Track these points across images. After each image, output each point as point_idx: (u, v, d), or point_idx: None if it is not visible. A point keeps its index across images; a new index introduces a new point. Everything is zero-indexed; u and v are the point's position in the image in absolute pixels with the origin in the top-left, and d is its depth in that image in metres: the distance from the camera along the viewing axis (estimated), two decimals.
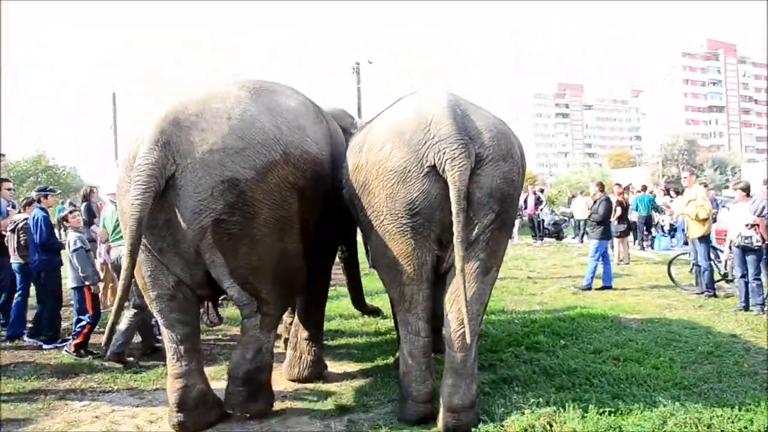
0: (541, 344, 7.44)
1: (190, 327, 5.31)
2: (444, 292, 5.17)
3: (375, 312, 9.58)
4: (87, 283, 7.52)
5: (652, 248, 18.82)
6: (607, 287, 11.73)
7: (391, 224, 5.01)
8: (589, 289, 11.61)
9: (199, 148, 4.74)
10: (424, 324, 5.20)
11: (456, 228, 4.62)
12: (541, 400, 5.24)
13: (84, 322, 7.55)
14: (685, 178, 11.74)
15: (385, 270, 5.37)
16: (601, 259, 11.92)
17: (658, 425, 4.85)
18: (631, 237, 17.89)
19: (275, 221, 5.11)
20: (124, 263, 4.59)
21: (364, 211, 5.30)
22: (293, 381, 6.55)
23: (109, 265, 9.53)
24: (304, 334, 6.73)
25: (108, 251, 9.07)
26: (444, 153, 4.75)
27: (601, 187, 12.65)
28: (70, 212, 7.94)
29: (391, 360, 7.07)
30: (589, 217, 12.74)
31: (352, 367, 7.10)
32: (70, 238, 7.61)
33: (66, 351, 7.54)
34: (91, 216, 10.61)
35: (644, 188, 20.55)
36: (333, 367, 7.13)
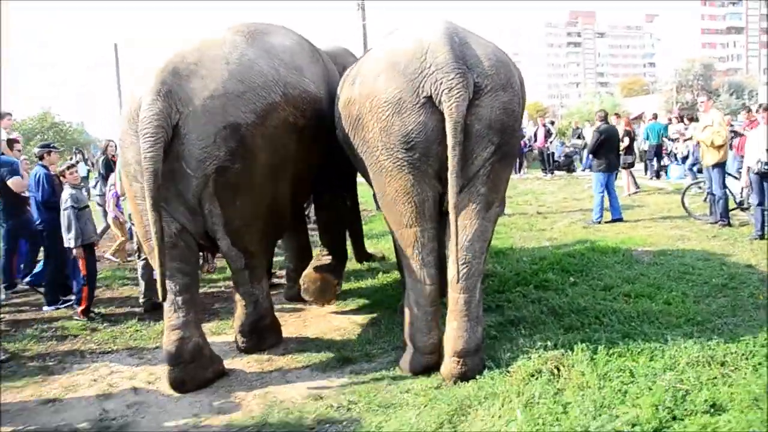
0: (550, 282, 7.24)
1: (189, 277, 5.23)
2: (445, 230, 4.94)
3: (379, 258, 9.43)
4: (72, 245, 7.19)
5: (667, 177, 18.42)
6: (617, 219, 11.45)
7: (387, 159, 4.75)
8: (599, 222, 11.34)
9: (201, 95, 4.78)
10: (429, 270, 4.95)
11: (451, 162, 4.40)
12: (548, 342, 5.04)
13: (80, 285, 7.33)
14: (701, 102, 11.28)
15: (386, 210, 5.16)
16: (606, 191, 11.59)
17: (670, 365, 4.65)
18: (640, 167, 17.58)
19: (272, 166, 5.21)
20: (150, 218, 4.60)
21: (359, 148, 5.07)
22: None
23: (120, 220, 9.46)
24: (299, 263, 7.47)
25: (117, 204, 8.98)
26: (441, 83, 4.48)
27: (604, 117, 12.08)
28: (68, 168, 7.62)
29: (395, 305, 6.92)
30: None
31: (355, 312, 6.97)
32: (63, 195, 7.30)
33: (76, 318, 7.29)
34: (109, 170, 10.63)
35: (655, 116, 20.03)
36: (336, 313, 7.02)
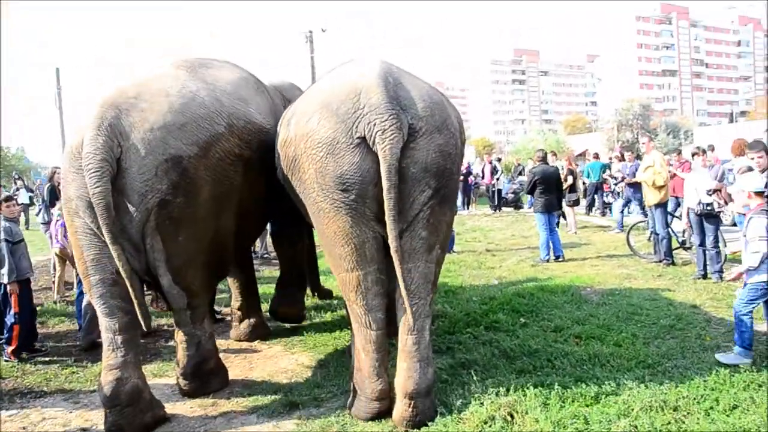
0: (501, 323, 7.18)
1: (130, 316, 4.95)
2: (391, 275, 4.80)
3: (328, 294, 9.24)
4: (5, 280, 6.80)
5: (610, 215, 18.80)
6: (557, 257, 11.55)
7: (324, 201, 4.64)
8: (548, 261, 11.41)
9: (141, 128, 4.69)
10: (375, 314, 4.79)
11: (387, 205, 4.32)
12: (501, 388, 4.95)
13: (11, 323, 6.89)
14: (643, 143, 11.55)
15: (326, 252, 5.01)
16: (548, 230, 11.69)
17: (624, 410, 4.61)
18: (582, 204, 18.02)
19: (216, 199, 5.11)
20: (114, 253, 4.55)
21: (297, 188, 4.97)
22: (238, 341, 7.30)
23: (68, 251, 9.01)
24: (245, 302, 7.44)
25: (65, 234, 8.55)
26: (374, 124, 4.41)
27: (542, 158, 12.21)
28: (5, 200, 7.24)
29: (343, 346, 6.75)
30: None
31: (303, 354, 6.75)
32: None
33: (6, 359, 6.86)
34: (54, 198, 10.27)
35: (596, 156, 20.52)
36: (283, 354, 6.80)
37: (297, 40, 32.09)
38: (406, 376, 4.67)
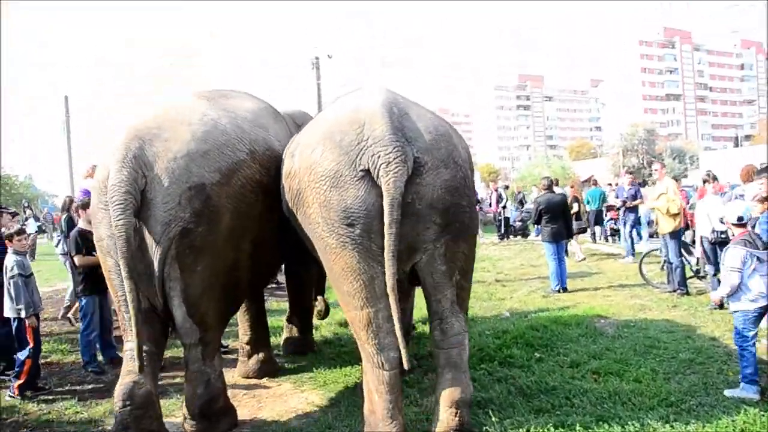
0: (515, 358, 6.99)
1: (155, 342, 5.18)
2: (424, 289, 4.78)
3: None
4: (24, 314, 6.67)
5: (618, 242, 18.61)
6: (563, 288, 11.33)
7: (329, 236, 4.51)
8: (559, 291, 11.24)
9: (164, 157, 4.74)
10: (388, 354, 4.62)
11: (387, 240, 4.20)
12: (521, 430, 4.76)
13: (24, 357, 6.72)
14: (655, 170, 11.40)
15: (335, 289, 4.88)
16: (556, 259, 11.51)
17: None
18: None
19: (235, 228, 5.09)
20: (126, 287, 4.56)
21: (302, 222, 4.86)
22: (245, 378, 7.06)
23: None
24: (296, 323, 7.87)
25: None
26: (378, 156, 4.29)
27: (548, 186, 12.10)
28: (17, 233, 7.12)
29: (354, 383, 6.57)
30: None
31: (313, 393, 6.57)
32: (8, 262, 6.78)
33: (10, 395, 6.67)
34: (71, 227, 10.13)
35: (595, 182, 20.42)
36: (293, 392, 6.61)
37: (304, 65, 32.22)
38: (452, 385, 4.65)
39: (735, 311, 5.92)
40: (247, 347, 7.21)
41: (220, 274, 5.14)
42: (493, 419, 5.10)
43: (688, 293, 10.23)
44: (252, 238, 5.40)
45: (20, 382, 6.70)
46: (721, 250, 9.01)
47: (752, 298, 5.74)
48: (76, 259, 7.55)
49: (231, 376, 6.94)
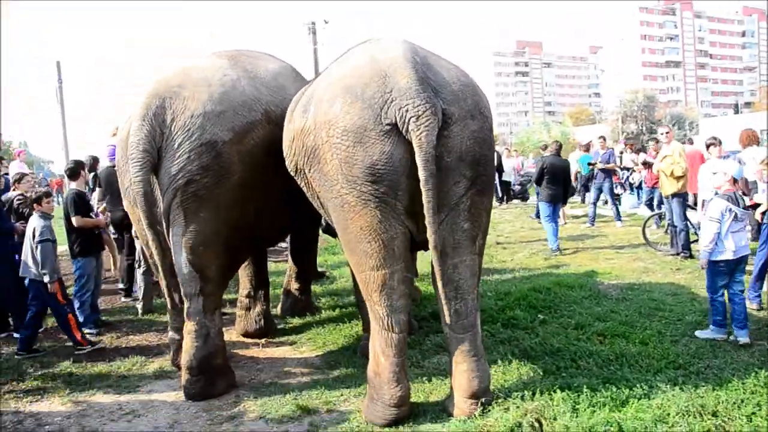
0: (519, 320, 6.85)
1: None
2: (433, 272, 4.51)
3: (320, 276, 9.28)
4: (49, 280, 6.53)
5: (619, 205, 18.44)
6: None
7: (350, 194, 4.27)
8: (559, 251, 11.15)
9: (182, 116, 4.98)
10: (399, 316, 4.45)
11: (425, 197, 3.98)
12: (526, 391, 4.62)
13: (65, 315, 6.73)
14: (664, 134, 11.13)
15: (349, 249, 4.61)
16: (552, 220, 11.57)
17: (659, 416, 4.28)
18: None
19: (245, 185, 5.19)
20: (148, 236, 4.97)
21: (316, 181, 4.59)
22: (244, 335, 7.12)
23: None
24: (296, 285, 7.87)
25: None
26: (406, 110, 4.05)
27: (557, 148, 12.12)
28: (45, 195, 6.98)
29: (354, 345, 6.44)
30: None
31: (312, 354, 6.45)
32: (35, 225, 6.64)
33: (79, 354, 6.66)
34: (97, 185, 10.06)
35: (586, 149, 19.95)
36: (291, 354, 6.50)
37: (299, 31, 31.63)
38: (468, 378, 4.49)
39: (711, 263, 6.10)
40: (246, 301, 7.10)
41: (224, 228, 5.21)
42: (496, 378, 4.97)
43: (692, 256, 10.05)
44: (260, 196, 5.40)
45: (78, 336, 6.81)
46: None
47: (721, 251, 5.97)
48: (74, 220, 7.37)
49: (229, 338, 6.78)
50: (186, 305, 5.37)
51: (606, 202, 18.86)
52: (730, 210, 5.92)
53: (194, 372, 5.27)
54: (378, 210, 4.24)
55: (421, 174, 3.97)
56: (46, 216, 6.76)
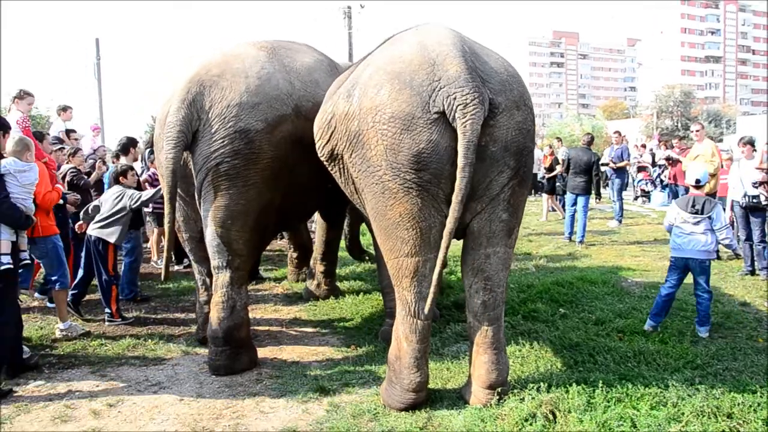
0: (540, 313, 6.91)
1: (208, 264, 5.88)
2: (464, 261, 4.64)
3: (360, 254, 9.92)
4: (111, 240, 7.08)
5: (649, 203, 18.31)
6: (568, 238, 11.96)
7: (392, 181, 4.29)
8: (581, 242, 11.42)
9: (219, 104, 5.30)
10: (425, 304, 4.50)
11: (458, 184, 4.03)
12: (541, 383, 4.67)
13: (110, 285, 7.13)
14: (696, 132, 11.04)
15: (383, 235, 4.62)
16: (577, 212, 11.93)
17: (674, 414, 4.32)
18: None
19: (273, 170, 5.46)
20: (166, 209, 5.27)
21: (356, 166, 4.61)
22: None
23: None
24: (321, 267, 8.12)
25: None
26: (454, 98, 4.09)
27: (588, 141, 12.56)
28: (130, 168, 7.62)
29: (375, 328, 6.56)
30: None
31: (333, 336, 6.59)
32: (126, 192, 7.28)
33: (109, 321, 7.08)
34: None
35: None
36: (313, 336, 6.64)
37: (335, 15, 31.61)
38: (488, 369, 4.55)
39: None
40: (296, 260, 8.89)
41: (253, 204, 5.47)
42: (514, 368, 5.04)
43: (719, 257, 9.98)
44: (286, 180, 5.64)
45: (115, 306, 7.17)
46: (753, 216, 8.81)
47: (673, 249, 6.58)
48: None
49: (253, 316, 6.94)
50: (214, 277, 5.64)
51: (636, 198, 18.78)
52: (679, 214, 6.44)
53: (219, 342, 5.48)
54: (419, 198, 4.29)
55: (460, 161, 4.02)
56: (129, 187, 7.38)
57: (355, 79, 4.83)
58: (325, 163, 5.14)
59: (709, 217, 6.24)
